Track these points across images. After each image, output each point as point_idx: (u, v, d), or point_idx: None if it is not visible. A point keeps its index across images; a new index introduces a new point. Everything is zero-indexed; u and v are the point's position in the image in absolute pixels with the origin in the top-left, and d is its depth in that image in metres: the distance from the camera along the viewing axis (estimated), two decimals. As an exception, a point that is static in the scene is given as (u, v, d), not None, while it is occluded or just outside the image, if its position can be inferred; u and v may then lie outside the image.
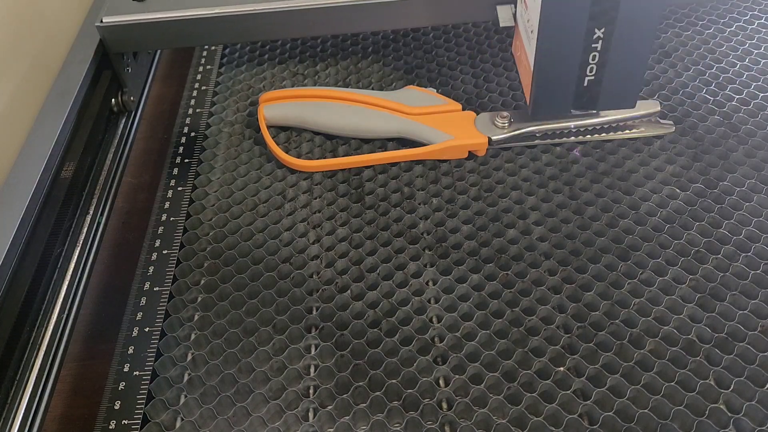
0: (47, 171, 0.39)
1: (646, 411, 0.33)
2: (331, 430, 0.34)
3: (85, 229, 0.41)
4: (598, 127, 0.45)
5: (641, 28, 0.38)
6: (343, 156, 0.46)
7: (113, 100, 0.47)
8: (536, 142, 0.45)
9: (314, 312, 0.38)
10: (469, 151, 0.45)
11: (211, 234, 0.42)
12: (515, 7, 0.44)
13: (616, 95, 0.41)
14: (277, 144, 0.46)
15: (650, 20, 0.38)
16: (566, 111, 0.42)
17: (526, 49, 0.40)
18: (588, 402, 0.33)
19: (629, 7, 0.37)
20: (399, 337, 0.36)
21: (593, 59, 0.39)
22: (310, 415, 0.34)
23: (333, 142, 0.47)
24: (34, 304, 0.36)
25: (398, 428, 0.33)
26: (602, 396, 0.33)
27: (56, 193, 0.39)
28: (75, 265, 0.39)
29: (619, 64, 0.39)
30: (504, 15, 0.45)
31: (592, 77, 0.40)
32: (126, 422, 0.34)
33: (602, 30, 0.37)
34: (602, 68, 0.39)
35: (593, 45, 0.38)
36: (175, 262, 0.41)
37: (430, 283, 0.39)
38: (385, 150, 0.46)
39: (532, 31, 0.39)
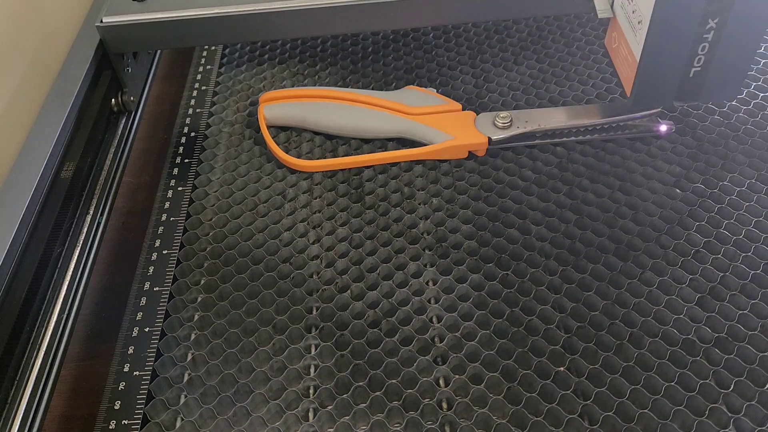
0: (47, 171, 0.39)
1: (646, 411, 0.33)
2: (331, 430, 0.34)
3: (85, 229, 0.41)
4: (598, 127, 0.45)
5: (756, 18, 0.37)
6: (343, 156, 0.46)
7: (113, 100, 0.47)
8: (536, 142, 0.45)
9: (314, 312, 0.38)
10: (469, 151, 0.45)
11: (211, 234, 0.42)
12: None
13: (720, 86, 0.40)
14: (277, 144, 0.46)
15: (765, 11, 0.37)
16: (668, 102, 0.41)
17: (629, 40, 0.40)
18: (588, 402, 0.33)
19: None
20: (399, 337, 0.36)
21: (703, 50, 0.38)
22: (310, 415, 0.34)
23: (333, 142, 0.47)
24: (34, 304, 0.36)
25: (398, 428, 0.33)
26: (602, 396, 0.33)
27: (56, 193, 0.39)
28: (75, 265, 0.39)
29: (727, 55, 0.38)
30: (601, 6, 0.44)
31: (699, 68, 0.39)
32: (126, 422, 0.34)
33: (716, 20, 0.37)
34: (710, 59, 0.38)
35: (704, 36, 0.38)
36: (175, 262, 0.41)
37: (430, 283, 0.39)
38: (385, 150, 0.46)
39: (639, 22, 0.38)
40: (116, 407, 0.34)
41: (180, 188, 0.45)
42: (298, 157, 0.46)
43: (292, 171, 0.45)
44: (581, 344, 0.35)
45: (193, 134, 0.49)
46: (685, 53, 0.38)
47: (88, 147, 0.43)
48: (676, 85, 0.40)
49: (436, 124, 0.45)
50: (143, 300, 0.39)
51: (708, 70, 0.39)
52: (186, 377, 0.36)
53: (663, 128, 0.45)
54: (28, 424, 0.33)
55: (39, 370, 0.35)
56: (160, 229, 0.43)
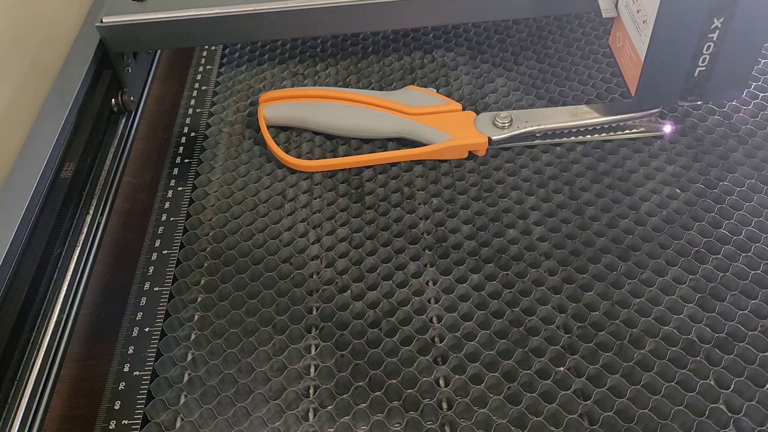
0: (47, 171, 0.39)
1: (646, 411, 0.33)
2: (331, 430, 0.34)
3: (85, 229, 0.41)
4: (598, 127, 0.45)
5: (761, 18, 0.37)
6: (343, 156, 0.46)
7: (113, 100, 0.47)
8: (536, 142, 0.45)
9: (314, 312, 0.38)
10: (469, 151, 0.45)
11: (211, 234, 0.42)
12: None
13: (725, 86, 0.40)
14: (277, 144, 0.46)
15: None
16: (672, 101, 0.41)
17: (633, 39, 0.40)
18: (588, 402, 0.33)
19: None
20: (399, 337, 0.36)
21: (707, 50, 0.38)
22: (310, 415, 0.34)
23: (333, 142, 0.47)
24: (34, 304, 0.36)
25: (398, 428, 0.33)
26: (602, 396, 0.33)
27: (56, 193, 0.39)
28: (75, 265, 0.39)
29: (732, 55, 0.38)
30: (606, 6, 0.44)
31: (704, 68, 0.39)
32: (126, 422, 0.34)
33: (721, 20, 0.37)
34: (715, 59, 0.38)
35: (709, 35, 0.37)
36: (175, 262, 0.41)
37: (430, 283, 0.39)
38: (385, 150, 0.46)
39: (644, 22, 0.38)
40: (116, 407, 0.34)
41: (180, 188, 0.45)
42: (298, 157, 0.46)
43: (292, 171, 0.45)
44: (581, 345, 0.35)
45: (193, 134, 0.49)
46: (689, 52, 0.38)
47: (88, 147, 0.43)
48: (680, 84, 0.40)
49: (436, 124, 0.45)
50: (143, 300, 0.39)
51: (713, 69, 0.39)
52: (186, 377, 0.36)
53: (667, 128, 0.45)
54: (28, 424, 0.33)
55: (39, 370, 0.35)
56: (160, 229, 0.43)
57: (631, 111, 0.45)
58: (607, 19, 0.44)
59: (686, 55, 0.38)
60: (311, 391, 0.35)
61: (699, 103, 0.43)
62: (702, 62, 0.39)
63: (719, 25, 0.37)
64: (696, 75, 0.39)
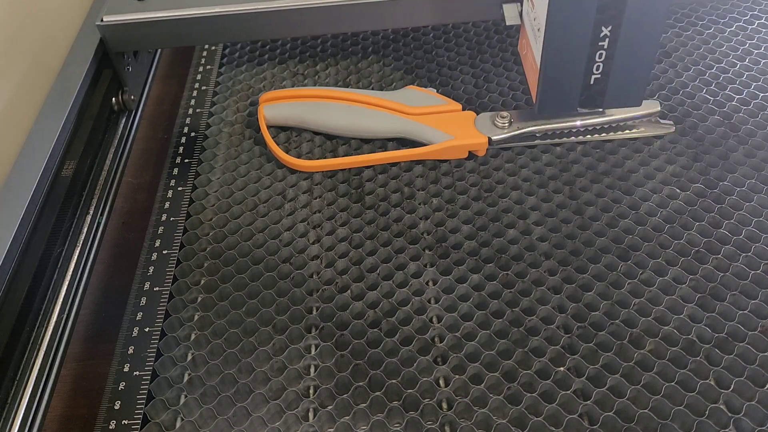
0: (47, 171, 0.39)
1: (646, 411, 0.33)
2: (331, 430, 0.34)
3: (85, 229, 0.41)
4: (598, 127, 0.45)
5: (648, 26, 0.38)
6: (343, 156, 0.46)
7: (113, 99, 0.47)
8: (536, 142, 0.45)
9: (314, 312, 0.38)
10: (469, 151, 0.45)
11: (211, 234, 0.42)
12: (521, 5, 0.44)
13: (622, 93, 0.41)
14: (277, 144, 0.46)
15: (657, 18, 0.37)
16: (572, 109, 0.42)
17: (533, 47, 0.40)
18: (588, 402, 0.33)
19: (636, 5, 0.37)
20: (399, 337, 0.36)
21: (600, 57, 0.39)
22: (310, 415, 0.34)
23: (333, 142, 0.47)
24: (34, 304, 0.36)
25: (398, 428, 0.33)
26: (602, 396, 0.33)
27: (56, 193, 0.39)
28: (75, 265, 0.39)
29: (625, 62, 0.39)
30: (510, 13, 0.44)
31: (599, 75, 0.39)
32: (126, 422, 0.34)
33: (609, 28, 0.37)
34: (609, 66, 0.39)
35: (600, 43, 0.38)
36: (175, 262, 0.41)
37: (430, 283, 0.39)
38: (385, 150, 0.46)
39: (538, 30, 0.39)
40: (116, 407, 0.34)
41: (180, 188, 0.45)
42: (298, 157, 0.46)
43: (292, 171, 0.45)
44: (581, 345, 0.35)
45: (193, 134, 0.49)
46: (582, 60, 0.39)
47: (88, 146, 0.43)
48: (578, 91, 0.41)
49: (436, 124, 0.45)
50: (143, 300, 0.39)
51: (608, 76, 0.40)
52: (186, 377, 0.36)
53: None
54: (28, 424, 0.33)
55: (39, 370, 0.35)
56: (160, 229, 0.43)
57: (631, 111, 0.45)
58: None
59: (579, 62, 0.39)
60: (311, 391, 0.35)
61: (600, 110, 0.43)
62: (596, 70, 0.39)
63: (608, 33, 0.38)
64: (592, 82, 0.40)
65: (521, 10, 0.44)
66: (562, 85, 0.40)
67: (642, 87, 0.41)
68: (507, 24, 0.45)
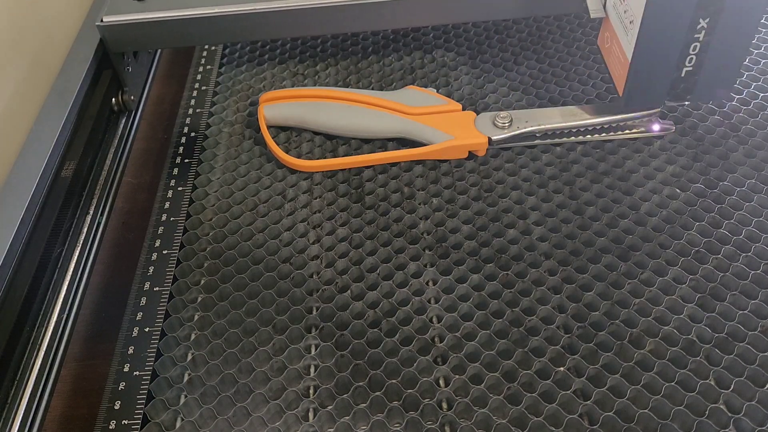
0: (47, 171, 0.39)
1: (646, 411, 0.33)
2: (331, 430, 0.34)
3: (85, 229, 0.41)
4: (598, 127, 0.45)
5: (746, 19, 0.37)
6: (343, 156, 0.46)
7: (113, 99, 0.47)
8: (536, 142, 0.45)
9: (314, 312, 0.38)
10: (469, 151, 0.45)
11: (211, 234, 0.42)
12: None
13: (713, 85, 0.40)
14: (277, 144, 0.46)
15: (756, 10, 0.37)
16: (660, 101, 0.42)
17: (621, 40, 0.40)
18: (588, 402, 0.33)
19: None
20: (399, 337, 0.36)
21: (693, 50, 0.38)
22: (310, 415, 0.34)
23: (333, 142, 0.47)
24: (34, 304, 0.36)
25: (398, 428, 0.33)
26: (602, 396, 0.33)
27: (56, 193, 0.39)
28: (75, 265, 0.39)
29: (719, 55, 0.39)
30: (594, 6, 0.44)
31: (690, 68, 0.39)
32: (126, 422, 0.34)
33: (707, 20, 0.37)
34: (702, 59, 0.39)
35: (695, 35, 0.38)
36: (175, 262, 0.41)
37: (430, 283, 0.39)
38: (385, 150, 0.46)
39: (631, 22, 0.38)
40: (116, 407, 0.34)
41: (180, 188, 0.45)
42: (298, 157, 0.46)
43: (292, 171, 0.45)
44: (581, 345, 0.35)
45: (193, 134, 0.49)
46: (676, 53, 0.39)
47: (88, 147, 0.43)
48: (668, 84, 0.40)
49: (436, 124, 0.45)
50: (143, 300, 0.39)
51: (700, 70, 0.39)
52: (186, 377, 0.36)
53: (656, 127, 0.45)
54: (28, 424, 0.33)
55: (39, 370, 0.35)
56: (160, 229, 0.43)
57: (626, 111, 0.45)
58: (596, 19, 0.44)
59: (673, 55, 0.39)
60: (311, 391, 0.35)
61: (687, 103, 0.43)
62: (689, 62, 0.39)
63: (705, 26, 0.37)
64: (683, 75, 0.40)
65: (605, 2, 0.43)
66: (652, 78, 0.40)
67: (732, 80, 0.41)
68: (592, 17, 0.44)
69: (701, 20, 0.37)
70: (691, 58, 0.39)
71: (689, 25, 0.37)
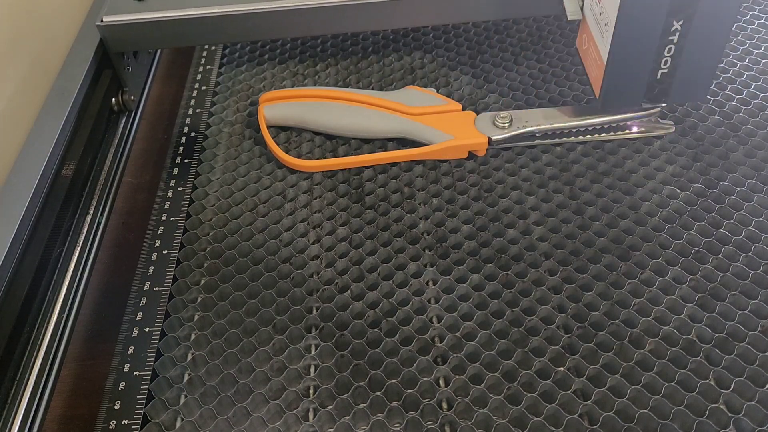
0: (47, 171, 0.39)
1: (646, 411, 0.33)
2: (331, 430, 0.34)
3: (85, 229, 0.41)
4: (598, 127, 0.45)
5: (720, 21, 0.37)
6: (343, 156, 0.46)
7: (113, 99, 0.47)
8: (536, 142, 0.45)
9: (314, 312, 0.38)
10: (469, 151, 0.45)
11: (211, 234, 0.42)
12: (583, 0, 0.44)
13: (689, 88, 0.40)
14: (277, 144, 0.46)
15: (730, 12, 0.37)
16: (637, 103, 0.42)
17: (597, 42, 0.40)
18: (588, 402, 0.33)
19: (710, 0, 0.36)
20: (399, 337, 0.36)
21: (668, 52, 0.38)
22: (310, 415, 0.34)
23: (333, 142, 0.47)
24: (34, 304, 0.36)
25: (398, 428, 0.33)
26: (602, 396, 0.33)
27: (56, 193, 0.39)
28: (75, 265, 0.39)
29: (694, 57, 0.39)
30: (571, 8, 0.44)
31: (666, 70, 0.39)
32: (126, 422, 0.34)
33: (680, 22, 0.37)
34: (677, 61, 0.39)
35: (670, 38, 0.38)
36: (175, 262, 0.41)
37: (430, 283, 0.39)
38: (385, 150, 0.46)
39: (606, 24, 0.38)
40: (116, 407, 0.34)
41: (180, 188, 0.45)
42: (298, 157, 0.46)
43: (292, 171, 0.45)
44: (581, 345, 0.35)
45: (193, 134, 0.49)
46: (651, 55, 0.39)
47: (88, 147, 0.43)
48: (644, 86, 0.40)
49: (436, 124, 0.45)
50: (143, 300, 0.39)
51: (675, 71, 0.39)
52: (186, 377, 0.36)
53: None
54: (28, 424, 0.33)
55: (39, 370, 0.35)
56: (160, 229, 0.43)
57: (626, 111, 0.45)
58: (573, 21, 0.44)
59: (647, 57, 0.39)
60: (311, 391, 0.35)
61: (663, 105, 0.43)
62: (664, 64, 0.39)
63: (679, 28, 0.37)
64: (659, 77, 0.40)
65: (582, 5, 0.43)
66: (628, 79, 0.40)
67: (709, 82, 0.41)
68: (569, 19, 0.44)
69: (675, 22, 0.37)
70: (666, 60, 0.39)
71: (663, 27, 0.37)
